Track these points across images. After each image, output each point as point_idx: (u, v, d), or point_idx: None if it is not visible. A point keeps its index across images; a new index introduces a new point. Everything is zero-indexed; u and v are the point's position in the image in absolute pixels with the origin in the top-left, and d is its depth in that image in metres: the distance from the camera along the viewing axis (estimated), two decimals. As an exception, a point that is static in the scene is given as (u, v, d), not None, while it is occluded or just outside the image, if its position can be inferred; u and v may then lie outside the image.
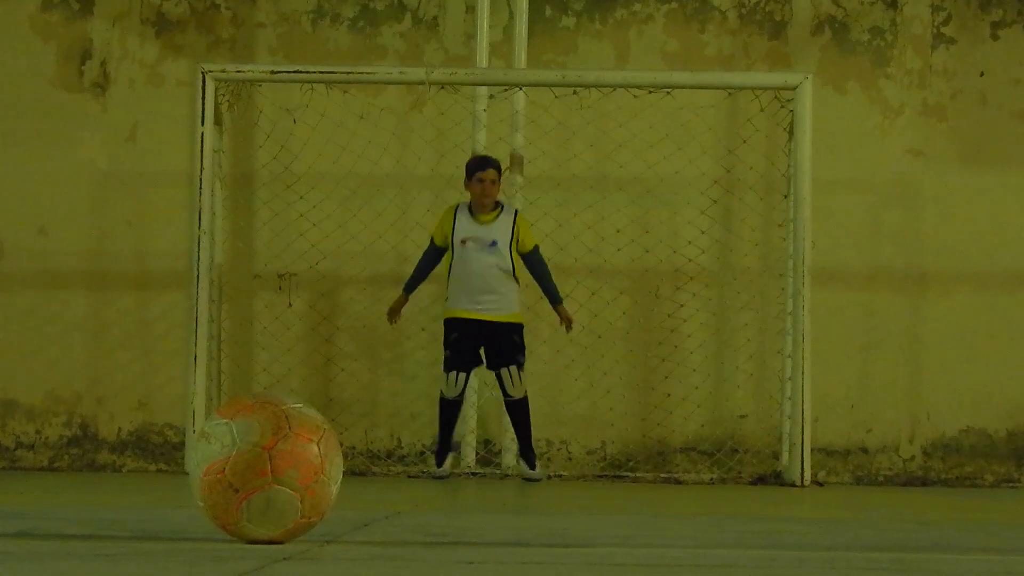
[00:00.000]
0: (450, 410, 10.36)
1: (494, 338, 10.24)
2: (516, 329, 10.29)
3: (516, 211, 10.45)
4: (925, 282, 11.42)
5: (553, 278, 10.39)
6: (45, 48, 11.42)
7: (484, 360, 10.33)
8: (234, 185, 11.26)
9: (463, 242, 10.21)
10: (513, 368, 10.23)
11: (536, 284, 10.42)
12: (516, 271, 10.27)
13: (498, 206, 10.30)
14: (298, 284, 11.28)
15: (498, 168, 10.32)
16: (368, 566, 3.78)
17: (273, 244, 11.31)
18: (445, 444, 10.45)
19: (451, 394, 10.29)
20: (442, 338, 10.38)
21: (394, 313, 10.43)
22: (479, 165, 10.29)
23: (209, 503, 4.24)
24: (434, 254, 10.39)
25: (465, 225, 10.24)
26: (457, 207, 10.34)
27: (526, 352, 10.35)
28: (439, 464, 10.46)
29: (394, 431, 11.27)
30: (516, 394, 10.27)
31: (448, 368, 10.27)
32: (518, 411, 10.33)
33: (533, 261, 10.34)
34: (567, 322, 10.37)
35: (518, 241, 10.26)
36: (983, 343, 11.36)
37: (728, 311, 11.36)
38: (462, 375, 10.25)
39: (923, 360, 11.37)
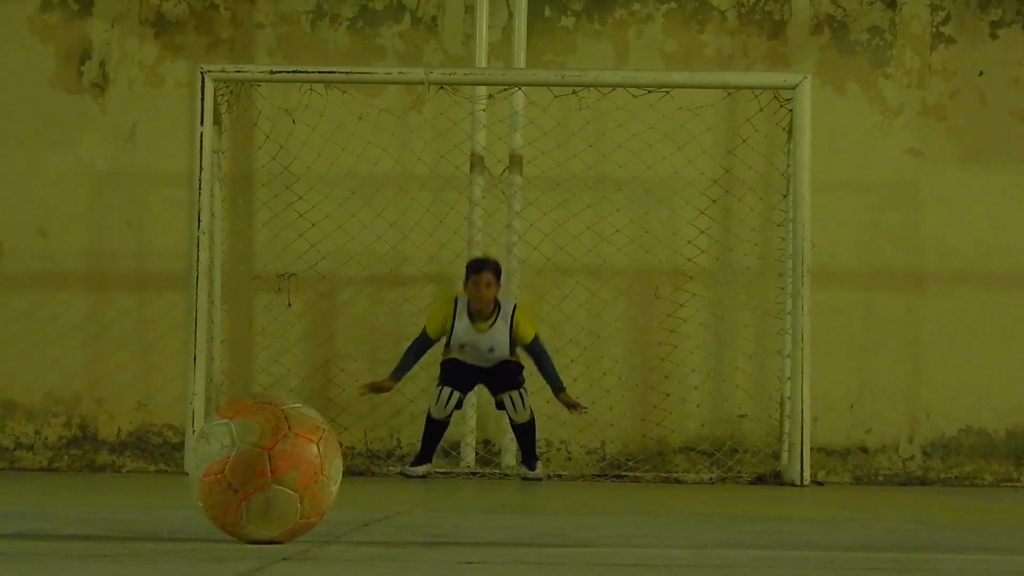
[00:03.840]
0: (435, 429, 10.31)
1: (493, 370, 10.24)
2: (514, 362, 10.28)
3: (514, 307, 10.30)
4: (924, 282, 11.42)
5: (554, 366, 10.29)
6: (44, 49, 11.42)
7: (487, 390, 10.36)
8: (233, 185, 11.26)
9: (461, 347, 10.18)
10: (515, 393, 10.20)
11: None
12: (518, 358, 10.28)
13: (496, 308, 10.18)
14: (297, 284, 11.28)
15: (496, 271, 10.21)
16: (368, 566, 3.78)
17: (272, 245, 11.30)
18: (426, 455, 10.40)
19: (439, 414, 10.25)
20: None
21: (375, 391, 10.30)
22: (475, 268, 10.20)
23: (209, 503, 4.24)
24: (426, 344, 10.29)
25: (463, 330, 10.14)
26: (456, 302, 10.21)
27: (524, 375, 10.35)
28: (413, 465, 10.42)
29: (394, 431, 11.27)
30: (520, 419, 10.26)
31: (441, 382, 10.25)
32: (522, 433, 10.34)
33: (534, 352, 10.26)
34: (573, 408, 10.25)
35: (518, 339, 10.20)
36: (983, 343, 11.36)
37: (727, 311, 11.36)
38: (455, 395, 10.22)
39: (923, 360, 11.38)
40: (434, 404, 10.24)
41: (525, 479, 10.39)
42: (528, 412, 10.25)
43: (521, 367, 10.30)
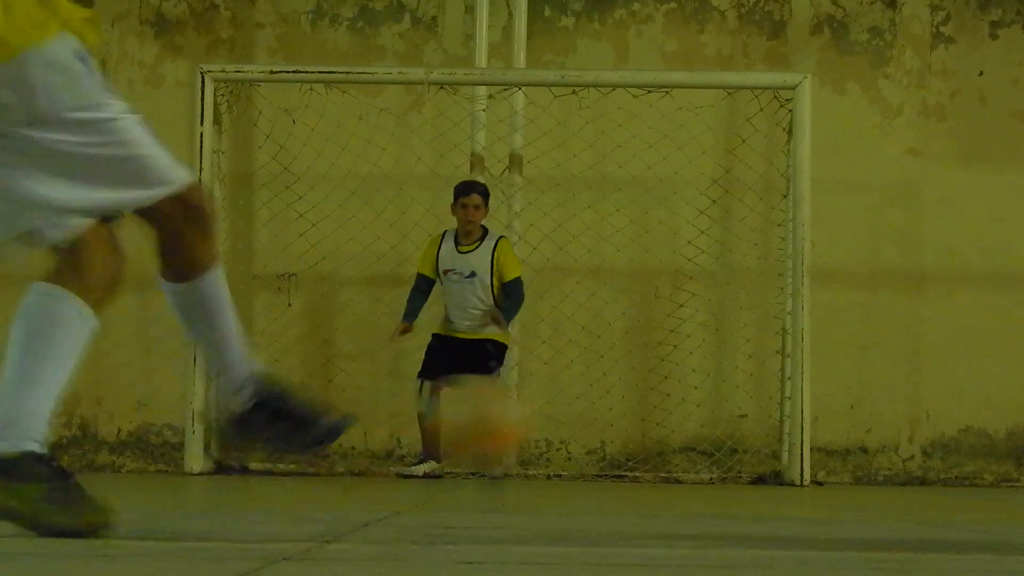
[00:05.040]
0: (424, 424, 10.34)
1: (469, 351, 10.19)
2: (494, 343, 10.25)
3: (500, 238, 10.38)
4: (925, 282, 11.42)
5: (518, 311, 10.35)
6: (44, 49, 11.40)
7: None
8: (233, 185, 11.26)
9: (446, 272, 10.24)
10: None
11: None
12: (498, 301, 10.24)
13: (483, 234, 10.28)
14: (297, 285, 11.28)
15: (484, 193, 10.30)
16: (368, 566, 3.78)
17: (272, 245, 11.30)
18: (425, 453, 10.40)
19: (421, 407, 10.28)
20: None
21: (394, 339, 10.42)
22: (463, 190, 10.28)
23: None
24: (424, 286, 10.38)
25: (448, 254, 10.26)
26: (443, 235, 10.35)
27: (501, 367, 10.30)
28: (414, 464, 10.44)
29: (394, 431, 11.27)
30: None
31: (419, 375, 10.28)
32: None
33: (511, 288, 10.30)
34: (496, 323, 10.27)
35: (499, 272, 10.21)
36: (983, 343, 11.35)
37: (727, 311, 11.36)
38: (427, 384, 10.20)
39: (923, 360, 11.38)
40: (417, 399, 10.27)
41: (493, 478, 10.31)
42: None
43: (499, 354, 10.25)
